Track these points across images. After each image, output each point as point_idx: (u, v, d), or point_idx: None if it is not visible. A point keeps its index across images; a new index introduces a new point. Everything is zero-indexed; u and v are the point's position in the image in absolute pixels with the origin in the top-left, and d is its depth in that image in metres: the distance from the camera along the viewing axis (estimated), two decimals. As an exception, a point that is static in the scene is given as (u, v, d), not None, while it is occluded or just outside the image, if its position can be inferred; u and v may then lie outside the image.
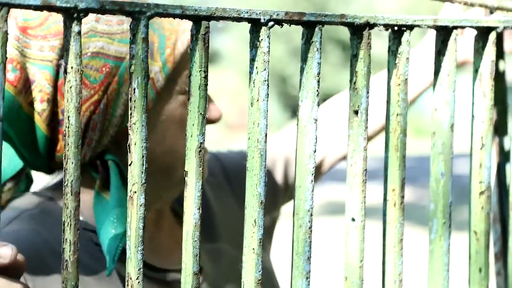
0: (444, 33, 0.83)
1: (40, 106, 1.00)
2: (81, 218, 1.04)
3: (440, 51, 0.83)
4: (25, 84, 1.00)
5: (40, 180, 1.15)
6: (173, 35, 1.03)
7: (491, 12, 0.95)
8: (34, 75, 1.00)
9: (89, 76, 1.00)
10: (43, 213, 1.02)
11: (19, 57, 1.00)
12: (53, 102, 1.01)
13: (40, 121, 1.01)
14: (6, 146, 1.06)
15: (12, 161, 1.09)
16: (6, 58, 0.67)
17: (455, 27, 0.82)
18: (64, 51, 0.71)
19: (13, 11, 1.01)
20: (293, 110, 15.88)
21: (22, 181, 1.10)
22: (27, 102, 1.00)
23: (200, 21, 0.74)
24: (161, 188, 1.07)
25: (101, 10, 0.70)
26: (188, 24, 1.04)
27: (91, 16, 1.00)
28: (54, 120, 1.02)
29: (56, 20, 1.00)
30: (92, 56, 1.00)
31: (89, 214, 1.04)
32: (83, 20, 1.01)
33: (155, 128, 1.04)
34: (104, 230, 0.97)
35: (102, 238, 0.97)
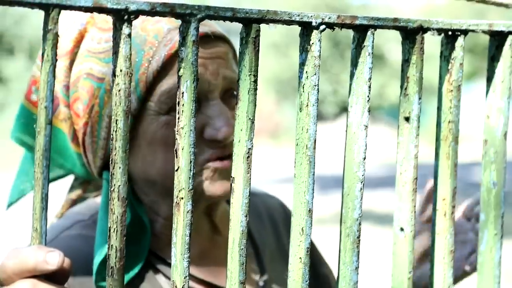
0: (499, 38, 0.80)
1: (64, 125, 1.02)
2: None
3: (494, 57, 0.81)
4: None
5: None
6: (152, 50, 0.96)
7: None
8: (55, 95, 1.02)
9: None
10: (95, 223, 1.02)
11: None
12: (71, 120, 1.02)
13: (68, 139, 1.03)
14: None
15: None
16: (56, 60, 0.65)
17: (511, 32, 0.80)
18: (113, 55, 0.69)
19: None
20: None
21: (89, 189, 1.11)
22: (55, 122, 1.03)
23: (250, 24, 0.72)
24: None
25: (152, 12, 0.68)
26: (175, 33, 0.97)
27: (88, 35, 1.00)
28: (75, 137, 1.03)
29: (68, 39, 1.00)
30: (84, 77, 0.99)
31: None
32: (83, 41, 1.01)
33: (142, 151, 0.99)
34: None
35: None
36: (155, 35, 0.97)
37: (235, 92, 1.01)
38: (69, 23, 1.02)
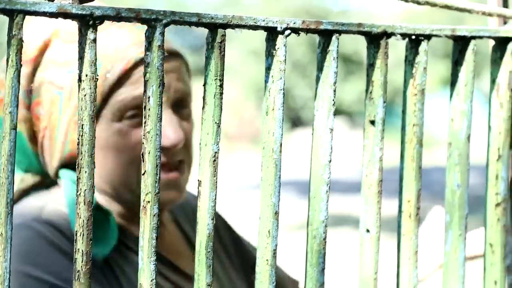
0: (462, 43, 0.82)
1: (22, 126, 1.10)
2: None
3: (458, 61, 0.82)
4: None
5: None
6: (109, 64, 1.06)
7: (505, 23, 0.94)
8: None
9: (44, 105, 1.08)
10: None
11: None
12: (30, 122, 1.10)
13: (26, 140, 1.11)
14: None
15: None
16: (21, 65, 0.66)
17: (473, 37, 0.81)
18: (79, 61, 0.70)
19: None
20: (293, 121, 15.87)
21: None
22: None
23: (216, 29, 0.73)
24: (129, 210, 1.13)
25: (117, 17, 0.69)
26: (136, 50, 1.07)
27: (53, 46, 1.08)
28: (34, 138, 1.11)
29: (28, 46, 1.06)
30: (46, 85, 1.07)
31: None
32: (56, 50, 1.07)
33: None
34: None
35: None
36: (117, 50, 1.06)
37: (186, 102, 1.12)
38: (35, 33, 1.09)
